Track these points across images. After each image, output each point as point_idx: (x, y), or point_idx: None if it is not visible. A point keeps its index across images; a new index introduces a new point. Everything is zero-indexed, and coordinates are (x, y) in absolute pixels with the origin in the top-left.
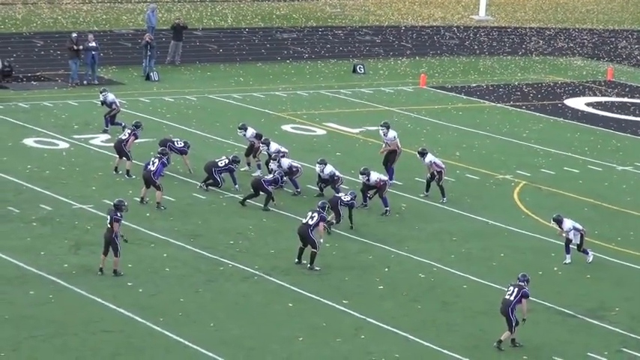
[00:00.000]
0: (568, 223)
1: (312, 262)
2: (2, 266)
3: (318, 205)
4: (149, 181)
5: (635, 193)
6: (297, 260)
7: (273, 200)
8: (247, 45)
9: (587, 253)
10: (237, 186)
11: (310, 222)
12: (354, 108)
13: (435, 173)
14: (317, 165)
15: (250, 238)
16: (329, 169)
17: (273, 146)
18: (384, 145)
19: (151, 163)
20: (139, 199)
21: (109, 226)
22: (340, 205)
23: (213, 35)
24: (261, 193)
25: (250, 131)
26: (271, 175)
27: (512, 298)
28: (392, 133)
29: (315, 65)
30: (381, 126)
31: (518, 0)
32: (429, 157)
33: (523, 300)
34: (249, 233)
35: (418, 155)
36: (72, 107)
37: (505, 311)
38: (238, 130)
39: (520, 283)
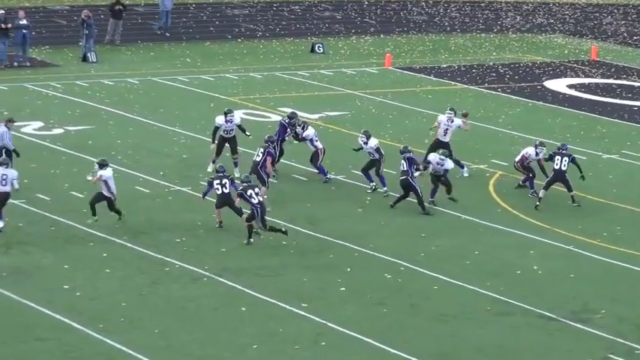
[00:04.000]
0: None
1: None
2: None
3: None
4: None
5: (622, 184)
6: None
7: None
8: (194, 22)
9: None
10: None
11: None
12: (313, 91)
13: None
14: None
15: (199, 235)
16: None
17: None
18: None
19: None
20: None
21: None
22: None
23: (157, 11)
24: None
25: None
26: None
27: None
28: (373, 142)
29: (270, 44)
30: (362, 134)
31: None
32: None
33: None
34: (198, 230)
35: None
36: (1, 92)
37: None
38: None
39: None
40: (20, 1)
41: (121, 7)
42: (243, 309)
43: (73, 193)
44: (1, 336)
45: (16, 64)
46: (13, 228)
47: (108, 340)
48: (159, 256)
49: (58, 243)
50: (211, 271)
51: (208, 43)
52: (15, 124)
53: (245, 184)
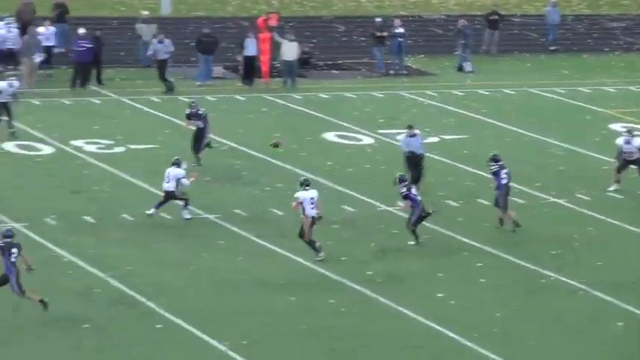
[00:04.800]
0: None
1: None
2: (301, 271)
3: None
4: None
5: None
6: None
7: None
8: (571, 34)
9: None
10: None
11: None
12: None
13: None
14: None
15: (575, 248)
16: None
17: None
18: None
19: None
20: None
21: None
22: None
23: (533, 22)
24: None
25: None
26: None
27: None
28: (637, 142)
29: None
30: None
31: None
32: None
33: None
34: (574, 243)
35: None
36: (377, 99)
37: None
38: None
39: None
40: (396, 9)
41: (497, 16)
42: (619, 324)
43: (448, 201)
44: (375, 340)
45: (392, 72)
46: (388, 235)
47: (480, 350)
48: (534, 267)
49: (432, 251)
50: (587, 284)
51: (585, 56)
52: (390, 131)
53: (407, 184)
